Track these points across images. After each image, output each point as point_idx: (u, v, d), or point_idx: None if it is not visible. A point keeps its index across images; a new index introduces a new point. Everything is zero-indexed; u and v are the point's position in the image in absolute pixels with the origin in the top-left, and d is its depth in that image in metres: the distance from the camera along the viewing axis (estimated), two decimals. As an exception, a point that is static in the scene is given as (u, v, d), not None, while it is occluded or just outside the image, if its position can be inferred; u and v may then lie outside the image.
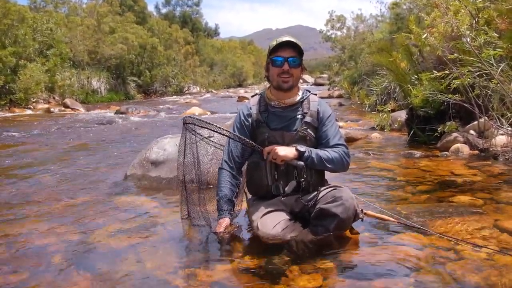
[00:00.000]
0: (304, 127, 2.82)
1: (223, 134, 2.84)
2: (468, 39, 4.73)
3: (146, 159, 4.76)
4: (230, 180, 2.88)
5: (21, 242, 2.91)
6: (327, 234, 2.63)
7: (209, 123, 2.77)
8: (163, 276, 2.31)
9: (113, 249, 2.73)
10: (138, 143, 7.99)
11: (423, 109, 6.43)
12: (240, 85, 55.96)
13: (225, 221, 2.78)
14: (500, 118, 5.35)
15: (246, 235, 2.92)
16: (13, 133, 10.10)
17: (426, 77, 5.34)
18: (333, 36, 25.60)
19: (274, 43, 2.80)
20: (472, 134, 6.05)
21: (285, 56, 2.76)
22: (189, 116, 2.90)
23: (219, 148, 3.17)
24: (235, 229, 2.84)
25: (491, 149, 5.38)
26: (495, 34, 4.56)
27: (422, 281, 2.14)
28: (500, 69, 4.77)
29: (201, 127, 2.84)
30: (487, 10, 4.96)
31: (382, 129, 7.89)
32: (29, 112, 17.98)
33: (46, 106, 19.34)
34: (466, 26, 4.79)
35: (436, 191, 3.90)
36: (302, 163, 2.68)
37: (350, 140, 7.21)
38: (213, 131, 2.82)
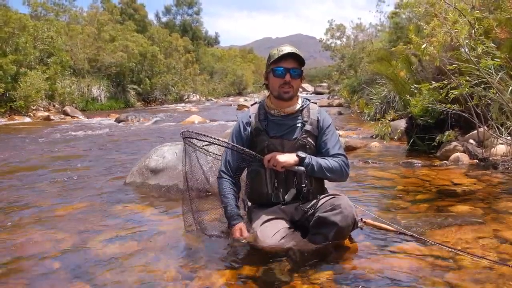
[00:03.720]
0: (304, 136, 2.83)
1: (222, 146, 2.84)
2: (467, 49, 4.74)
3: (145, 166, 4.75)
4: (232, 187, 2.89)
5: (19, 249, 2.90)
6: (326, 243, 2.63)
7: (207, 136, 2.78)
8: (161, 284, 2.30)
9: (111, 257, 2.71)
10: (137, 151, 7.99)
11: (422, 118, 6.43)
12: (240, 94, 56.13)
13: (241, 225, 2.79)
14: (500, 127, 5.35)
15: (245, 243, 2.91)
16: (13, 141, 10.10)
17: (426, 88, 5.34)
18: (332, 45, 25.68)
19: (276, 52, 2.81)
20: (471, 143, 6.05)
21: (287, 67, 2.76)
22: (187, 130, 2.89)
23: (217, 159, 3.17)
24: (251, 233, 2.83)
25: (490, 158, 5.38)
26: (492, 44, 4.57)
27: (421, 291, 2.14)
28: (498, 77, 4.77)
29: (200, 140, 2.84)
30: (486, 19, 4.98)
31: (381, 138, 7.88)
32: (29, 119, 18.04)
33: (46, 113, 19.39)
34: (465, 36, 4.80)
35: (436, 201, 3.89)
36: (302, 168, 2.69)
37: (349, 149, 7.21)
38: (212, 143, 2.82)
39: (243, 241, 2.76)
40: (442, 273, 2.31)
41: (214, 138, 2.77)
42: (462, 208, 3.56)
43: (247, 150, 2.79)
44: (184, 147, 2.95)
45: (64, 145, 9.22)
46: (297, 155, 2.70)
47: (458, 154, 5.72)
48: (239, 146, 2.81)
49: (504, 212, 3.41)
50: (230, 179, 2.91)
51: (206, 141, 2.81)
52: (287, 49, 2.78)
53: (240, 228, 2.78)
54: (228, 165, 2.92)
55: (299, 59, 2.78)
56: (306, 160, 2.70)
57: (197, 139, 2.84)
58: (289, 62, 2.78)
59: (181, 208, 3.09)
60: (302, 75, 2.86)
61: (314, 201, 2.76)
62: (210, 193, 3.20)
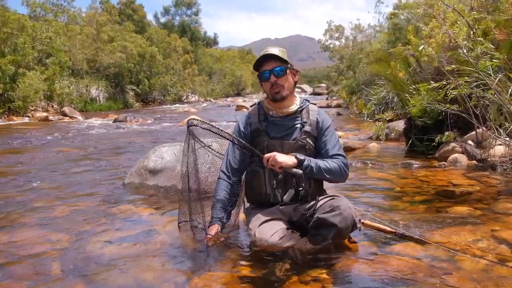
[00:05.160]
0: (304, 136, 2.83)
1: (226, 138, 2.83)
2: (465, 50, 4.75)
3: (144, 167, 4.74)
4: (226, 189, 2.88)
5: (18, 250, 2.89)
6: (325, 244, 2.63)
7: (213, 126, 2.77)
8: (160, 285, 2.30)
9: (110, 258, 2.71)
10: (136, 151, 7.99)
11: (421, 119, 6.43)
12: (238, 94, 56.21)
13: (215, 227, 2.78)
14: (498, 128, 5.36)
15: (243, 243, 2.91)
16: (11, 141, 10.09)
17: (424, 88, 5.35)
18: (331, 46, 25.70)
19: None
20: (470, 144, 6.06)
21: (269, 68, 2.78)
22: (193, 118, 2.89)
23: (219, 157, 3.17)
24: (223, 238, 2.83)
25: (489, 159, 5.39)
26: (491, 45, 4.57)
27: (420, 292, 2.14)
28: (497, 79, 4.78)
29: (205, 129, 2.83)
30: (484, 21, 4.99)
31: (378, 138, 7.90)
32: (27, 120, 18.04)
33: (45, 114, 19.36)
34: (464, 37, 4.81)
35: (434, 201, 3.90)
36: (300, 171, 2.68)
37: (348, 149, 7.21)
38: (216, 133, 2.80)
39: (209, 241, 2.74)
40: (441, 274, 2.31)
41: (219, 129, 2.77)
42: (461, 209, 3.56)
43: (248, 145, 2.78)
44: (188, 138, 2.92)
45: (63, 146, 9.21)
46: (296, 157, 2.70)
47: (456, 155, 5.73)
48: (240, 140, 2.80)
49: (503, 213, 3.41)
50: (228, 180, 2.91)
51: (210, 130, 2.80)
52: (266, 51, 2.80)
53: (211, 230, 2.76)
54: (228, 165, 2.93)
55: (280, 58, 2.78)
56: (305, 163, 2.70)
57: (201, 127, 2.82)
58: (270, 63, 2.78)
59: (179, 205, 3.09)
60: (290, 71, 2.85)
61: (313, 202, 2.76)
62: (209, 194, 3.20)
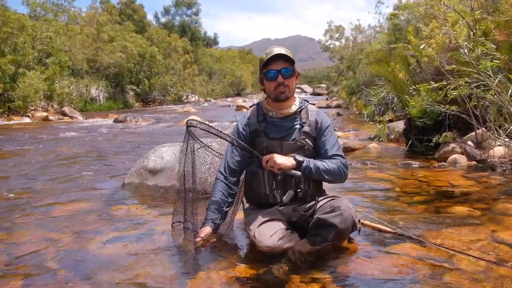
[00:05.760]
0: (303, 137, 2.82)
1: (225, 139, 2.83)
2: (466, 50, 4.75)
3: (143, 167, 4.74)
4: (223, 190, 2.88)
5: (17, 249, 2.89)
6: (325, 244, 2.63)
7: (211, 127, 2.77)
8: (159, 285, 2.30)
9: (109, 258, 2.71)
10: (136, 151, 7.99)
11: (421, 120, 6.43)
12: (238, 94, 56.26)
13: (206, 229, 2.77)
14: (498, 129, 5.36)
15: (243, 244, 2.91)
16: (11, 141, 10.09)
17: (424, 88, 5.35)
18: (331, 46, 25.70)
19: (264, 56, 2.82)
20: (469, 145, 6.06)
21: (277, 68, 2.77)
22: (193, 119, 2.88)
23: (218, 157, 3.17)
24: (214, 239, 2.82)
25: (488, 160, 5.39)
26: (492, 45, 4.58)
27: (419, 292, 2.14)
28: (497, 80, 4.78)
29: (203, 129, 2.83)
30: (484, 21, 4.99)
31: (378, 139, 7.90)
32: (27, 120, 18.04)
33: (45, 114, 19.37)
34: (464, 37, 4.81)
35: (434, 202, 3.90)
36: (299, 173, 2.68)
37: (347, 150, 7.21)
38: (215, 134, 2.80)
39: (198, 243, 2.74)
40: (440, 274, 2.31)
41: (218, 130, 2.77)
42: (460, 209, 3.56)
43: (247, 146, 2.78)
44: (187, 137, 2.92)
45: (62, 146, 9.21)
46: (295, 159, 2.70)
47: (456, 155, 5.73)
48: (240, 141, 2.80)
49: (502, 214, 3.41)
50: (225, 180, 2.91)
51: (209, 131, 2.80)
52: (274, 50, 2.79)
53: (201, 232, 2.76)
54: (227, 166, 2.92)
55: (288, 58, 2.79)
56: (304, 164, 2.70)
57: (201, 129, 2.82)
58: (278, 64, 2.78)
59: (174, 205, 3.10)
60: (295, 73, 2.87)
61: (312, 203, 2.76)
62: (208, 194, 3.20)
